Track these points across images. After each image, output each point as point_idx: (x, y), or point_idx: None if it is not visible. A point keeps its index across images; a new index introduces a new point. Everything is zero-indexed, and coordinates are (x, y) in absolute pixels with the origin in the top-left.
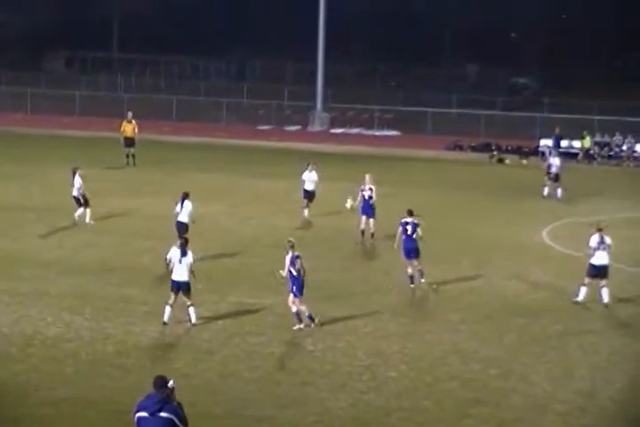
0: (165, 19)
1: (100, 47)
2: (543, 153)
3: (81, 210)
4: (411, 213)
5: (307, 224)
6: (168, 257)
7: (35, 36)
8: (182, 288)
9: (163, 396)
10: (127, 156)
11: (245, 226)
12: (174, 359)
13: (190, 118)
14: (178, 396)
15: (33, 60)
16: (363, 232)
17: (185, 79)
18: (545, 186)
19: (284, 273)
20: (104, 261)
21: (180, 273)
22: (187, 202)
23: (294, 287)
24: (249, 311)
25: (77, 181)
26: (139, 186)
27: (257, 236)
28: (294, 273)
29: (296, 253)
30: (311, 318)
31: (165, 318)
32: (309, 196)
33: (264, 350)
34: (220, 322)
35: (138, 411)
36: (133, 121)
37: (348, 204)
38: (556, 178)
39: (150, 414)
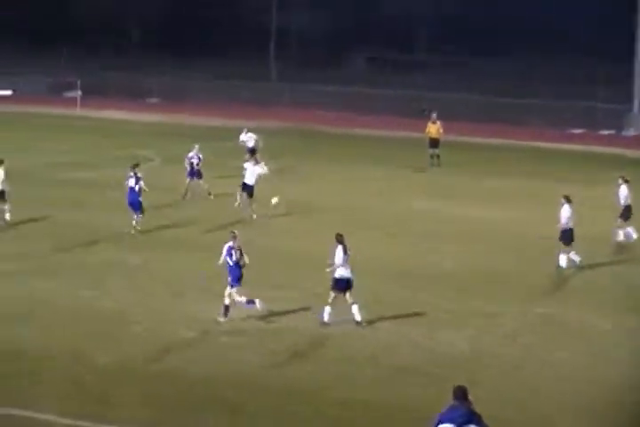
0: (471, 20)
1: (402, 48)
2: None
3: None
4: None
5: None
6: (340, 258)
7: (337, 35)
8: (349, 286)
9: (468, 408)
10: (431, 157)
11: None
12: (479, 371)
13: (491, 119)
14: (483, 410)
15: (334, 59)
16: None
17: (493, 80)
18: None
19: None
20: (397, 261)
21: (348, 270)
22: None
23: (230, 277)
24: (554, 324)
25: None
26: (439, 187)
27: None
28: (231, 263)
29: (234, 244)
30: (252, 302)
31: (326, 319)
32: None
33: (571, 363)
34: (527, 335)
35: (441, 422)
36: (438, 122)
37: (274, 200)
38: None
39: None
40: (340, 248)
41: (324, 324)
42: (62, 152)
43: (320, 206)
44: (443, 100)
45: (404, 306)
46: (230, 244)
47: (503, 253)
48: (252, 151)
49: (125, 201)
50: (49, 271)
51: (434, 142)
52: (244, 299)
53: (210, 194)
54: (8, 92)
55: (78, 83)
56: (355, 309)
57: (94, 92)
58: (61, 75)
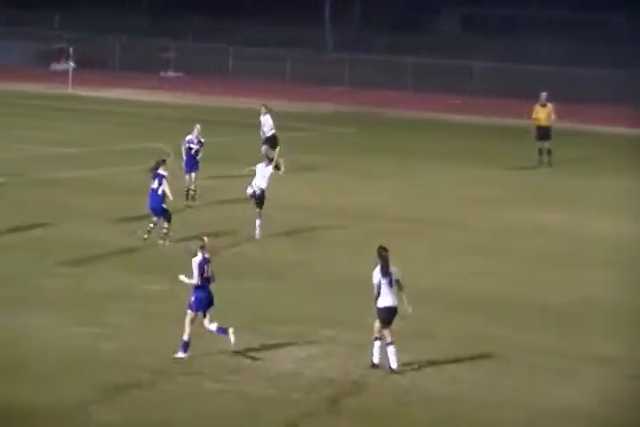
0: None
1: (509, 2)
2: None
3: None
4: None
5: None
6: (376, 281)
7: None
8: (393, 317)
9: None
10: (540, 152)
11: None
12: None
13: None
14: None
15: (412, 21)
16: None
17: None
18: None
19: (189, 280)
20: (499, 294)
21: (391, 298)
22: None
23: (192, 299)
24: None
25: None
26: (550, 194)
27: None
28: (200, 282)
29: (207, 256)
30: (184, 347)
31: (375, 359)
32: None
33: None
34: None
35: None
36: (549, 104)
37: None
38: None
39: None
40: (377, 269)
41: (374, 366)
42: (50, 144)
43: (386, 217)
44: (563, 74)
45: (498, 346)
46: (201, 257)
47: (632, 281)
48: (271, 141)
49: (146, 206)
50: (35, 301)
51: (543, 132)
52: (185, 336)
53: (194, 198)
54: None
55: (70, 51)
56: (391, 351)
57: (92, 65)
58: (49, 41)
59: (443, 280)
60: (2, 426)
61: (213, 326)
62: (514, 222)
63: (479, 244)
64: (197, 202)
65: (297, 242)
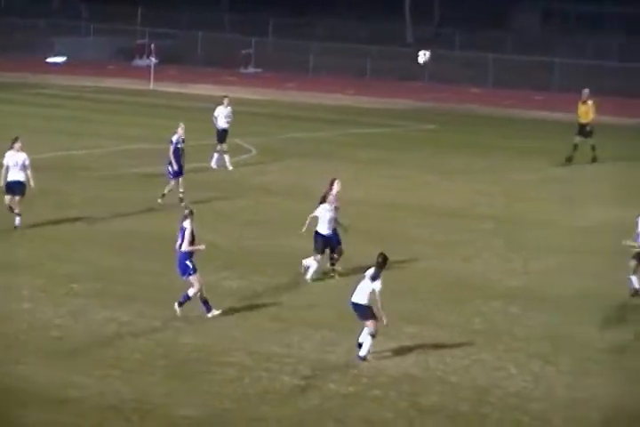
0: None
1: None
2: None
3: None
4: None
5: None
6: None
7: None
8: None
9: None
10: (574, 148)
11: None
12: None
13: None
14: None
15: (493, 17)
16: None
17: None
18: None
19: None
20: (582, 292)
21: (357, 295)
22: None
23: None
24: None
25: None
26: (634, 190)
27: None
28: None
29: (183, 225)
30: (181, 303)
31: (363, 353)
32: None
33: None
34: None
35: None
36: (589, 102)
37: None
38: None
39: None
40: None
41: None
42: (130, 140)
43: (469, 214)
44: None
45: (578, 345)
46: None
47: None
48: (223, 136)
49: None
50: (125, 296)
51: (581, 129)
52: (191, 291)
53: (183, 200)
54: (60, 60)
55: (152, 47)
56: (367, 340)
57: (173, 60)
58: (132, 37)
59: (525, 278)
60: (95, 419)
61: (190, 291)
62: (597, 220)
63: (563, 242)
64: (185, 203)
65: (378, 239)
